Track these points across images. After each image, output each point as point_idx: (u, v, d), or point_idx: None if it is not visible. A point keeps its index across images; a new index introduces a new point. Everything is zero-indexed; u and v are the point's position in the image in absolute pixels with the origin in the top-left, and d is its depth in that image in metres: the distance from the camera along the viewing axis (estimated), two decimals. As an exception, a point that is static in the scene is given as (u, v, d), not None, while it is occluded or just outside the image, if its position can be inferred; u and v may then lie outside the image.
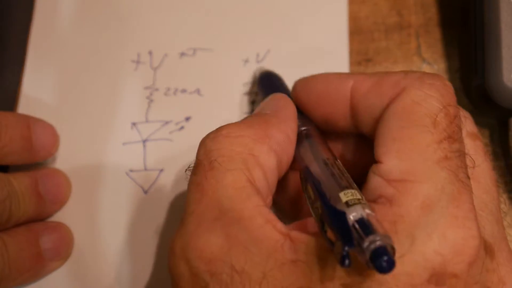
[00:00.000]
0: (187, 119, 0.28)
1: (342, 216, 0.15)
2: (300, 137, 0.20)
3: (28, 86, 0.29)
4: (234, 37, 0.29)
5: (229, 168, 0.17)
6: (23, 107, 0.28)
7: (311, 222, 0.17)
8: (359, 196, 0.16)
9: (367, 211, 0.15)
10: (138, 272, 0.25)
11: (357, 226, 0.15)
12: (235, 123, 0.19)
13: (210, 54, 0.29)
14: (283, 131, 0.19)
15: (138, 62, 0.29)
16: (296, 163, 0.20)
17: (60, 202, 0.26)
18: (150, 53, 0.29)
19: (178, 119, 0.28)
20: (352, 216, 0.15)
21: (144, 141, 0.27)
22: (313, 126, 0.21)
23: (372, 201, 0.17)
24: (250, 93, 0.28)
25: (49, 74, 0.29)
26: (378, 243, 0.14)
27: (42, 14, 0.30)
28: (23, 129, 0.25)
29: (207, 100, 0.28)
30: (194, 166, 0.18)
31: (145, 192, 0.27)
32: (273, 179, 0.19)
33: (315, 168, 0.18)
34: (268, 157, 0.18)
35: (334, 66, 0.28)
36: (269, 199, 0.19)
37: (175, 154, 0.27)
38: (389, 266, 0.14)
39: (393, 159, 0.17)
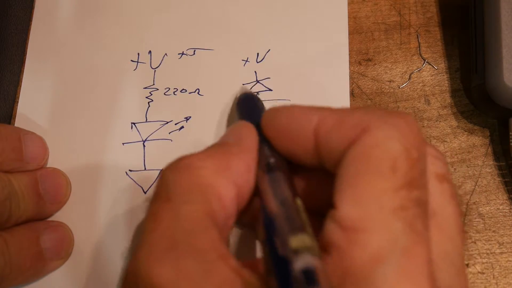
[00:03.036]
0: (187, 119, 0.28)
1: (286, 264, 0.14)
2: (265, 169, 0.19)
3: (27, 86, 0.29)
4: (234, 37, 0.29)
5: (187, 200, 0.17)
6: (22, 108, 0.28)
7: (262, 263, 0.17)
8: (309, 244, 0.15)
9: (316, 261, 0.14)
10: (138, 272, 0.25)
11: (301, 276, 0.14)
12: (197, 153, 0.19)
13: (210, 54, 0.29)
14: (244, 161, 0.19)
15: (138, 62, 0.29)
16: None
17: (59, 202, 0.26)
18: (150, 53, 0.29)
19: (178, 119, 0.28)
20: (298, 265, 0.14)
21: (144, 141, 0.27)
22: (280, 158, 0.20)
23: (325, 247, 0.16)
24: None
25: (48, 73, 0.29)
26: None
27: (41, 14, 0.30)
28: (14, 141, 0.25)
29: (207, 100, 0.28)
30: (152, 196, 0.18)
31: (145, 192, 0.27)
32: (232, 210, 0.18)
33: (272, 206, 0.17)
34: (228, 189, 0.18)
35: (334, 65, 0.28)
36: (228, 230, 0.19)
37: (175, 154, 0.27)
38: None
39: (347, 205, 0.16)
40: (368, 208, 0.15)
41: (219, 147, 0.20)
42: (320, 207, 0.20)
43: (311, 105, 0.19)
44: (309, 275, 0.14)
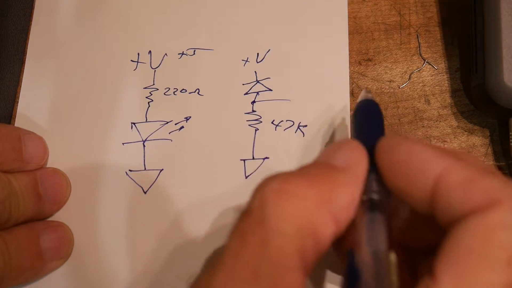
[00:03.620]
0: (187, 119, 0.28)
1: None
2: (366, 206, 0.18)
3: (27, 86, 0.29)
4: (234, 37, 0.29)
5: (281, 230, 0.16)
6: (22, 108, 0.28)
7: None
8: None
9: None
10: (137, 272, 0.25)
11: None
12: (299, 176, 0.17)
13: (210, 54, 0.29)
14: (349, 194, 0.17)
15: (138, 62, 0.29)
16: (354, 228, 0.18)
17: (59, 202, 0.26)
18: (150, 53, 0.29)
19: (178, 119, 0.28)
20: None
21: (144, 141, 0.27)
22: (385, 194, 0.18)
23: None
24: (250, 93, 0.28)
25: (48, 74, 0.29)
26: None
27: (41, 14, 0.30)
28: (14, 141, 0.25)
29: (207, 100, 0.28)
30: (244, 211, 0.17)
31: (145, 192, 0.27)
32: (325, 248, 0.17)
33: (363, 255, 0.16)
34: (326, 227, 0.17)
35: (334, 65, 0.28)
36: (313, 267, 0.17)
37: (175, 154, 0.27)
38: None
39: (447, 284, 0.14)
40: None
41: (323, 171, 0.18)
42: (408, 242, 0.19)
43: (434, 145, 0.17)
44: None
